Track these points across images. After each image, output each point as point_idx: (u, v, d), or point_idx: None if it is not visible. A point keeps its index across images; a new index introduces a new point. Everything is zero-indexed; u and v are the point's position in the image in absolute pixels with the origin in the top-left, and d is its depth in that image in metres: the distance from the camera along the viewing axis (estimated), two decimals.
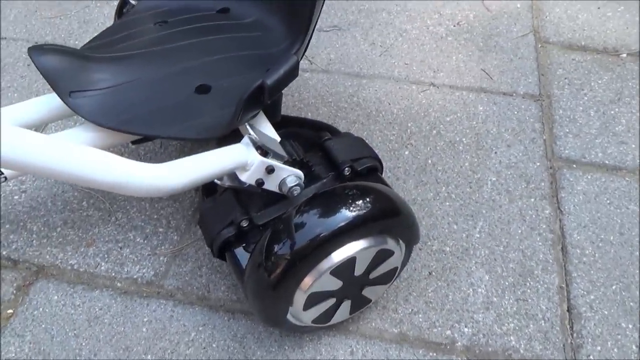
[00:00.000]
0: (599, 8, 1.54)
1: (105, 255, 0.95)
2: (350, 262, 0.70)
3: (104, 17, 1.56)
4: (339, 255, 0.69)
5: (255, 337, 0.85)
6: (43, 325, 0.86)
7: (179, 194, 1.05)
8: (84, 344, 0.84)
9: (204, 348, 0.84)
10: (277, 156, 0.73)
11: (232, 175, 0.72)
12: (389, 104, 1.24)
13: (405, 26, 1.46)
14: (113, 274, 0.93)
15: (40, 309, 0.88)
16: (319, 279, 0.69)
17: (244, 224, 0.74)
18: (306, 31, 0.81)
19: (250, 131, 0.74)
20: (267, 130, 0.77)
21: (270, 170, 0.71)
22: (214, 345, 0.84)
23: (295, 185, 0.73)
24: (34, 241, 0.97)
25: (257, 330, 0.85)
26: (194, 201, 1.04)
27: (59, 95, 0.76)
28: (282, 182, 0.73)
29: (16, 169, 0.57)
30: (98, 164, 0.58)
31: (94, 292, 0.90)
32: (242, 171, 0.71)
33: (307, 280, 0.69)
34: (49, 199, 1.04)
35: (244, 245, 0.75)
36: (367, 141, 1.12)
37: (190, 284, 0.91)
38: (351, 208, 0.69)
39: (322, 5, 0.81)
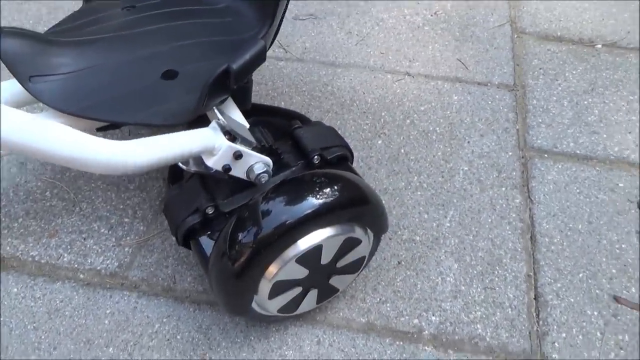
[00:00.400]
0: None
1: (68, 247, 0.93)
2: (317, 250, 0.69)
3: (73, 4, 1.52)
4: (305, 243, 0.68)
5: (221, 328, 0.83)
6: (1, 318, 0.83)
7: (147, 184, 1.03)
8: (43, 337, 0.82)
9: (168, 340, 0.82)
10: (245, 142, 0.71)
11: (199, 160, 0.70)
12: (364, 93, 1.23)
13: (382, 15, 1.44)
14: (76, 266, 0.90)
15: None
16: (284, 267, 0.68)
17: (210, 211, 0.72)
18: (273, 15, 0.79)
19: (219, 115, 0.72)
20: (236, 117, 0.76)
21: (238, 155, 0.69)
22: (178, 337, 0.82)
23: (263, 173, 0.72)
24: None
25: (223, 321, 0.84)
26: (162, 191, 1.02)
27: (18, 81, 0.73)
28: (250, 169, 0.72)
29: None
30: (64, 139, 0.56)
31: (56, 284, 0.88)
32: (209, 156, 0.69)
33: (272, 269, 0.68)
34: (11, 189, 1.01)
35: (209, 233, 0.73)
36: (340, 131, 1.11)
37: (155, 275, 0.89)
38: (318, 195, 0.68)
39: None
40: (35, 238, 0.93)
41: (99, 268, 0.90)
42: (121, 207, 0.99)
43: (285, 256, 0.68)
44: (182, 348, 0.81)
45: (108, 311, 0.85)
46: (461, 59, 1.32)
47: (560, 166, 1.06)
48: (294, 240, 0.68)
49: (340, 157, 0.78)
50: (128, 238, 0.94)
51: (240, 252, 0.66)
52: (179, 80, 0.78)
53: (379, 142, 1.12)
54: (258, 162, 0.71)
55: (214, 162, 0.69)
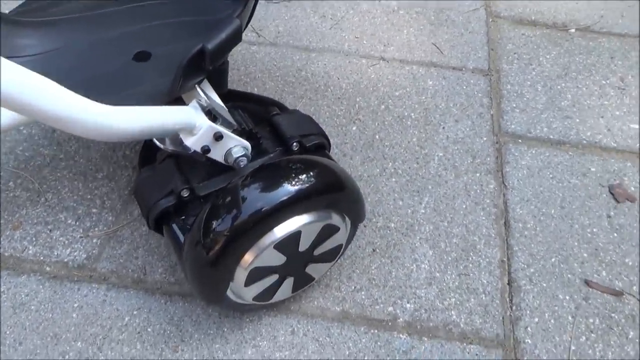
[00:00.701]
0: None
1: (33, 239, 0.90)
2: (295, 236, 0.68)
3: None
4: (283, 229, 0.67)
5: (193, 320, 0.82)
6: None
7: (116, 173, 0.99)
8: (8, 332, 0.79)
9: (139, 333, 0.80)
10: (226, 123, 0.69)
11: (176, 139, 0.68)
12: (338, 79, 1.21)
13: None
14: (41, 258, 0.87)
15: None
16: (261, 254, 0.67)
17: (185, 194, 0.69)
18: None
19: (202, 94, 0.70)
20: (214, 99, 0.73)
21: (218, 137, 0.67)
22: (149, 330, 0.80)
23: (242, 156, 0.70)
24: None
25: (195, 313, 0.82)
26: (131, 180, 0.99)
27: None
28: (228, 152, 0.70)
29: None
30: (46, 93, 0.52)
31: (20, 277, 0.85)
32: (189, 135, 0.66)
33: (248, 257, 0.67)
34: None
35: (183, 217, 0.71)
36: (314, 117, 1.09)
37: (125, 267, 0.87)
38: (295, 181, 0.66)
39: None
40: None
41: (66, 260, 0.87)
42: (89, 197, 0.96)
43: (262, 244, 0.66)
44: (154, 341, 0.79)
45: (76, 305, 0.83)
46: (436, 44, 1.31)
47: (533, 151, 1.06)
48: (271, 228, 0.66)
49: (318, 145, 0.77)
50: (96, 229, 0.91)
51: (215, 240, 0.64)
52: (152, 62, 0.75)
53: (354, 128, 1.10)
54: (237, 146, 0.70)
55: (193, 142, 0.66)
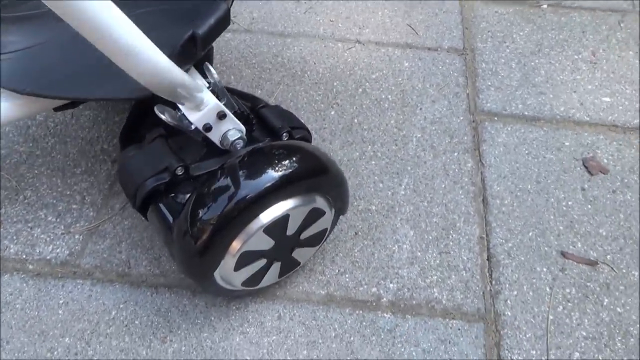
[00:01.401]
0: None
1: (14, 237, 0.89)
2: (284, 219, 0.69)
3: None
4: (272, 213, 0.67)
5: (180, 310, 0.82)
6: None
7: (95, 167, 0.99)
8: None
9: (126, 325, 0.81)
10: (229, 105, 0.69)
11: (175, 115, 0.67)
12: (314, 64, 1.21)
13: None
14: (24, 257, 0.87)
15: None
16: (250, 238, 0.67)
17: (180, 172, 0.68)
18: None
19: (213, 71, 0.69)
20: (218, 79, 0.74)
21: (221, 116, 0.67)
22: (136, 322, 0.81)
23: (239, 139, 0.70)
24: None
25: (182, 303, 0.83)
26: (110, 174, 0.98)
27: None
28: (225, 135, 0.70)
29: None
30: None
31: (3, 276, 0.85)
32: (194, 110, 0.66)
33: (236, 244, 0.68)
34: None
35: (172, 196, 0.70)
36: (292, 103, 1.10)
37: (109, 261, 0.87)
38: (280, 166, 0.67)
39: None
40: None
41: (48, 257, 0.87)
42: (68, 193, 0.95)
43: (250, 229, 0.67)
44: (142, 332, 0.80)
45: (61, 301, 0.83)
46: (411, 24, 1.31)
47: (509, 128, 1.08)
48: (258, 214, 0.67)
49: (303, 137, 0.78)
50: (78, 225, 0.91)
51: (202, 229, 0.65)
52: None
53: (332, 112, 1.11)
54: (234, 129, 0.70)
55: (197, 118, 0.66)
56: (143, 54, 0.55)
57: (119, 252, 0.88)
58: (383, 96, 1.14)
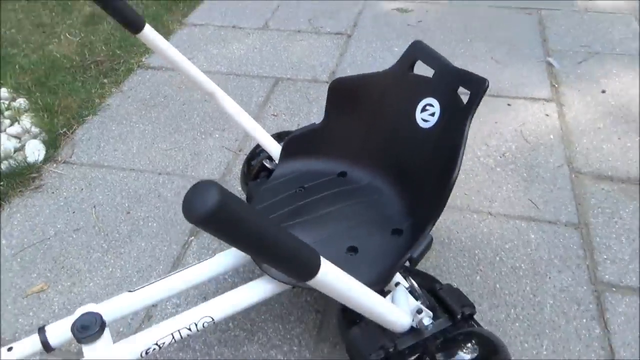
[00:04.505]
0: (619, 138, 1.86)
1: None
2: None
3: (210, 148, 1.90)
4: None
5: None
6: None
7: (304, 316, 1.33)
8: None
9: None
10: (422, 299, 1.02)
11: None
12: (457, 232, 1.54)
13: None
14: None
15: None
16: None
17: (391, 348, 0.98)
18: (435, 212, 1.08)
19: (413, 282, 1.03)
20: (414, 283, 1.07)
21: (419, 311, 0.99)
22: None
23: (430, 324, 1.01)
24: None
25: None
26: (316, 322, 1.31)
27: (256, 262, 1.05)
28: (420, 321, 1.00)
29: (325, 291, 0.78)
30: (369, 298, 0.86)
31: None
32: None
33: None
34: None
35: None
36: (444, 268, 1.41)
37: None
38: (466, 350, 0.96)
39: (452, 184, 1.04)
40: None
41: None
42: (288, 336, 1.29)
43: None
44: None
45: None
46: (532, 199, 1.63)
47: (627, 300, 1.34)
48: None
49: (471, 313, 1.08)
50: None
51: None
52: (361, 255, 1.09)
53: (477, 278, 1.41)
54: (426, 317, 1.01)
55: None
56: (376, 307, 0.88)
57: None
58: (517, 264, 1.44)
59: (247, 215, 0.50)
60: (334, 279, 0.72)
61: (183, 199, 0.47)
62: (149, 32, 1.08)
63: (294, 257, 0.60)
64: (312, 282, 0.66)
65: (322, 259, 0.66)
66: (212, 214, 0.45)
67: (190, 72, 1.17)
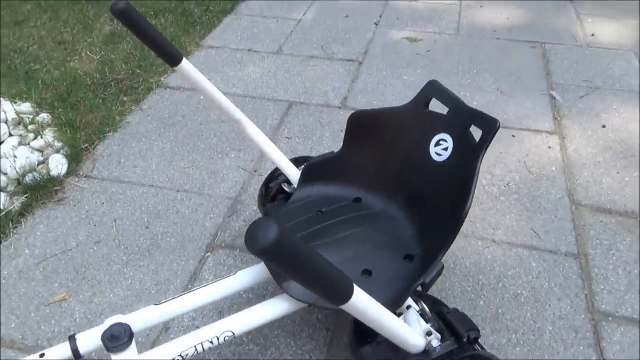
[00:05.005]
0: (617, 173, 1.95)
1: None
2: None
3: (226, 167, 1.98)
4: None
5: None
6: None
7: (314, 334, 1.39)
8: None
9: None
10: (432, 322, 1.09)
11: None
12: (462, 258, 1.61)
13: None
14: None
15: None
16: None
17: None
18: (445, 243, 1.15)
19: (423, 304, 1.10)
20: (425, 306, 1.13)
21: (429, 333, 1.05)
22: None
23: (438, 346, 1.08)
24: None
25: None
26: (327, 340, 1.38)
27: (277, 282, 1.12)
28: (429, 343, 1.06)
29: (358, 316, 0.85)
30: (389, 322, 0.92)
31: None
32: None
33: None
34: None
35: None
36: (449, 291, 1.48)
37: None
38: None
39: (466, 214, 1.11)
40: None
41: None
42: (299, 352, 1.35)
43: None
44: None
45: None
46: (533, 228, 1.71)
47: (622, 329, 1.40)
48: None
49: (476, 337, 1.14)
50: None
51: None
52: (374, 277, 1.16)
53: (481, 302, 1.48)
54: (435, 339, 1.08)
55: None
56: (396, 328, 0.95)
57: None
58: (519, 291, 1.51)
59: (298, 247, 0.58)
60: (364, 303, 0.79)
61: (246, 232, 0.55)
62: (185, 65, 1.17)
63: (331, 283, 0.67)
64: (345, 306, 0.74)
65: (354, 285, 0.74)
66: (272, 246, 0.53)
67: (221, 102, 1.25)
